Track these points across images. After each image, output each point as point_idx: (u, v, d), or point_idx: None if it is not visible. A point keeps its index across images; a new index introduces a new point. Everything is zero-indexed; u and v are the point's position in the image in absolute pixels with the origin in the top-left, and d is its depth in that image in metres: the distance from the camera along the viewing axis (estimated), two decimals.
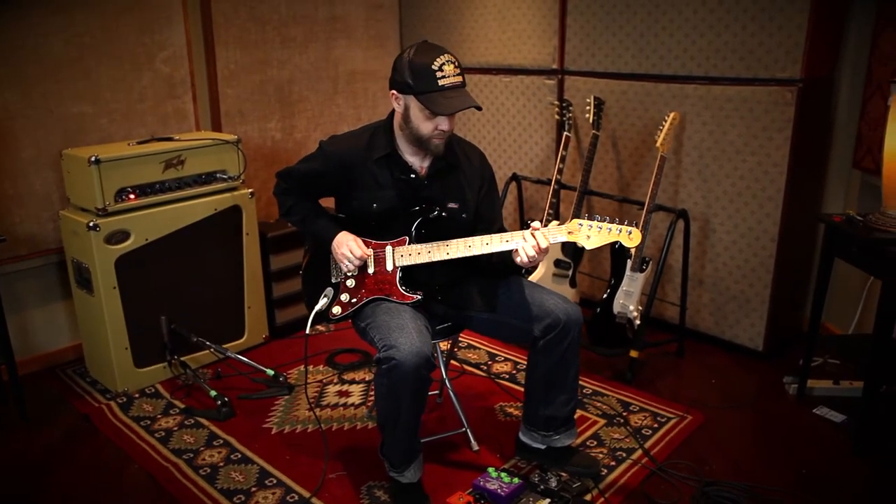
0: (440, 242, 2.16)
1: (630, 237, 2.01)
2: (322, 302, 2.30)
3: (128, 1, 3.13)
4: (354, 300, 2.26)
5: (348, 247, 2.20)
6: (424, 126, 2.10)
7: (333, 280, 2.31)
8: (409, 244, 2.21)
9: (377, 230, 2.25)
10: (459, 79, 2.08)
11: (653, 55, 3.21)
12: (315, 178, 2.29)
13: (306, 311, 3.57)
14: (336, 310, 2.28)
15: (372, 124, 2.29)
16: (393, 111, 2.21)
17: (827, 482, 2.36)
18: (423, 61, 2.04)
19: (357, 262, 2.20)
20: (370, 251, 2.23)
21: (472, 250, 2.12)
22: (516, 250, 2.06)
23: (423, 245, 2.18)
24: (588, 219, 2.04)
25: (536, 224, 2.05)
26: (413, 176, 2.22)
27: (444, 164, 2.23)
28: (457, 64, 2.08)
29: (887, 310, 2.39)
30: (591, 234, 2.04)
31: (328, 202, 2.38)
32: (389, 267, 2.22)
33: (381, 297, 2.23)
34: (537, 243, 2.02)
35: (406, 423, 2.12)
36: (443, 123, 2.09)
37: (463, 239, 2.13)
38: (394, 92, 2.13)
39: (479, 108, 2.11)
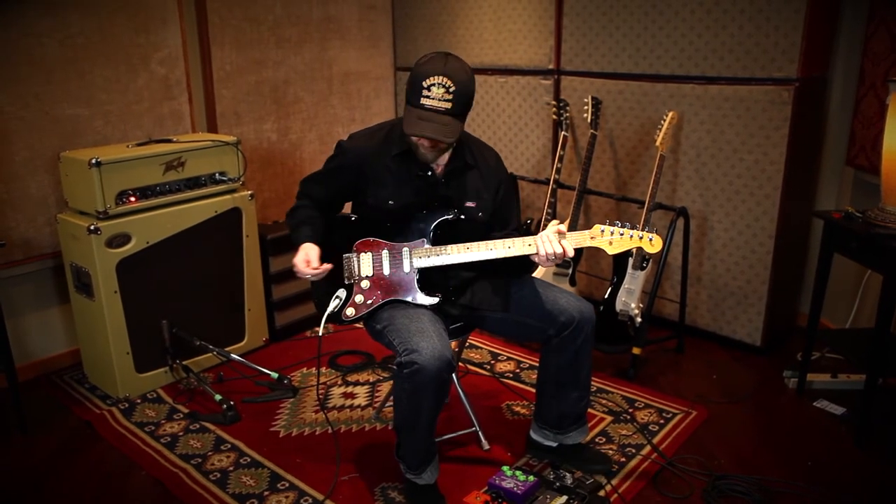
0: (460, 245, 2.15)
1: (651, 243, 2.03)
2: (334, 304, 2.26)
3: (122, 2, 3.08)
4: (370, 301, 2.23)
5: (304, 260, 2.20)
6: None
7: (347, 281, 2.29)
8: (426, 245, 2.20)
9: (392, 230, 2.23)
10: (446, 105, 2.00)
11: (650, 55, 3.24)
12: (337, 175, 2.28)
13: (306, 314, 3.55)
14: (349, 311, 2.25)
15: (390, 121, 2.29)
16: None
17: (832, 473, 2.41)
18: (419, 74, 2.02)
19: (309, 273, 2.18)
20: (326, 266, 2.20)
21: (493, 253, 2.11)
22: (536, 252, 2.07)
23: (442, 247, 2.16)
24: (609, 224, 2.06)
25: (562, 227, 2.05)
26: (430, 174, 2.21)
27: (461, 163, 2.23)
28: (451, 90, 1.99)
29: (888, 304, 2.45)
30: (614, 239, 2.05)
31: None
32: (407, 269, 2.21)
33: (398, 299, 2.21)
34: (563, 249, 2.03)
35: (425, 425, 2.12)
36: (423, 137, 2.07)
37: (484, 242, 2.12)
38: None
39: (451, 144, 2.11)
